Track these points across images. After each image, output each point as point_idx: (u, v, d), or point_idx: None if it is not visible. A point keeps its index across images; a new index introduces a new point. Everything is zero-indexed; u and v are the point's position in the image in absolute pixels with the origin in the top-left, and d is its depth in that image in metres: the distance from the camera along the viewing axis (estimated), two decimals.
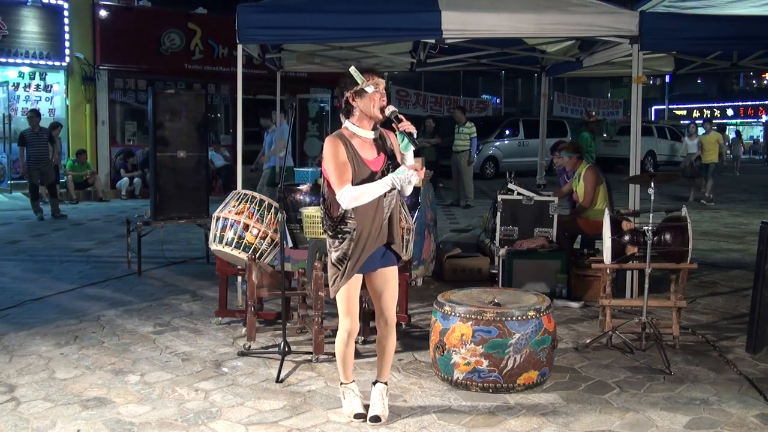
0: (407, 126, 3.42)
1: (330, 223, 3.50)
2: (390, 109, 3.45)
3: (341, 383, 3.74)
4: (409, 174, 3.35)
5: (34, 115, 11.77)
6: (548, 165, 10.78)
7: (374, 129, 3.51)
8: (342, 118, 3.56)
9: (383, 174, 3.48)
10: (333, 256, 3.51)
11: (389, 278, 3.62)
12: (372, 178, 3.45)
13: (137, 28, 15.98)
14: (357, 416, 3.64)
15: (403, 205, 5.07)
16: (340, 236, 3.47)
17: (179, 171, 7.43)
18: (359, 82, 3.41)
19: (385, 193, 3.50)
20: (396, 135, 3.51)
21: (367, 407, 3.69)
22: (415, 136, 3.44)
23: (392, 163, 3.52)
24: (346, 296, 3.52)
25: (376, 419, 3.60)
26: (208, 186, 8.19)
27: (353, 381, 3.75)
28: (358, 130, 3.48)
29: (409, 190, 3.57)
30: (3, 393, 4.01)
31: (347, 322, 3.55)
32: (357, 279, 3.53)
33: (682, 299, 4.93)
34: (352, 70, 3.42)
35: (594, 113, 11.91)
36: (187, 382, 4.22)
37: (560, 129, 20.12)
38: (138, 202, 13.66)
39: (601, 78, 30.19)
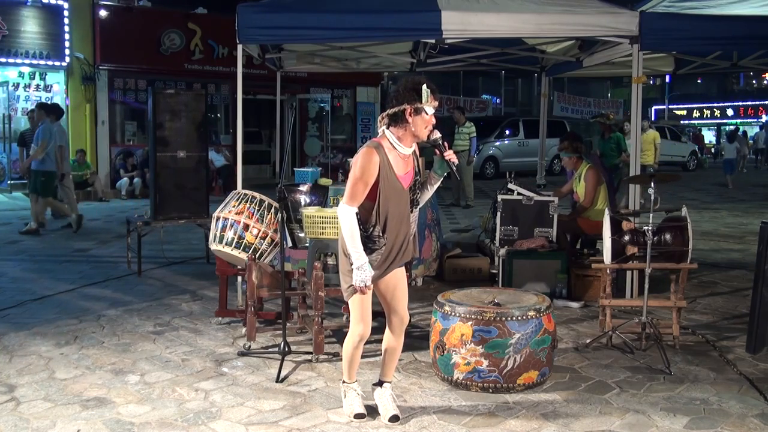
0: (452, 156, 3.44)
1: (361, 233, 3.40)
2: (436, 135, 3.42)
3: (343, 382, 3.74)
4: (357, 283, 3.36)
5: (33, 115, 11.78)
6: (548, 165, 10.80)
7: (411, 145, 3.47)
8: (380, 122, 3.46)
9: (411, 190, 3.49)
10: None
11: (399, 278, 3.61)
12: (404, 194, 3.45)
13: (137, 28, 15.99)
14: (357, 416, 3.63)
15: None
16: (368, 249, 3.40)
17: (179, 171, 7.42)
18: (424, 101, 3.35)
19: (412, 208, 3.52)
20: (434, 158, 3.51)
21: (368, 408, 3.70)
22: (456, 165, 3.45)
23: (419, 179, 3.53)
24: (360, 303, 3.48)
25: (395, 419, 3.61)
26: (208, 186, 8.19)
27: (356, 381, 3.75)
28: (398, 144, 3.41)
29: (423, 202, 3.62)
30: (3, 393, 4.01)
31: (360, 327, 3.52)
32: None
33: (682, 299, 4.92)
34: (425, 88, 3.34)
35: (612, 114, 11.87)
36: (187, 382, 4.22)
37: (560, 129, 20.09)
38: (138, 202, 13.66)
39: (601, 78, 30.20)
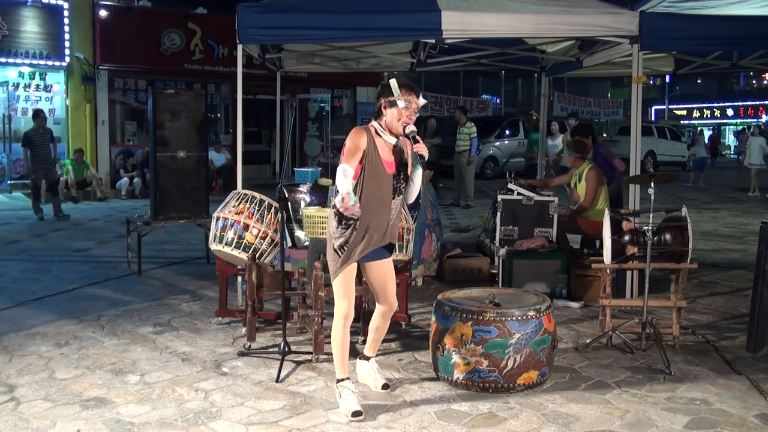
0: (421, 149, 3.64)
1: (337, 210, 3.66)
2: (410, 128, 3.66)
3: (338, 381, 3.77)
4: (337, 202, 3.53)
5: (44, 116, 11.80)
6: (548, 165, 10.83)
7: (396, 136, 3.73)
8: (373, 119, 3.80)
9: (394, 178, 3.73)
10: (335, 243, 3.70)
11: (387, 269, 3.87)
12: (385, 177, 3.70)
13: (137, 28, 16.00)
14: (354, 414, 3.64)
15: (403, 205, 5.07)
16: (343, 224, 3.66)
17: (179, 171, 7.43)
18: (394, 94, 3.62)
19: (394, 195, 3.74)
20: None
21: (364, 406, 3.70)
22: (426, 158, 3.68)
23: (403, 170, 3.76)
24: (343, 280, 3.71)
25: (386, 386, 4.01)
26: (208, 186, 8.19)
27: (348, 378, 3.77)
28: (383, 132, 3.71)
29: (412, 197, 3.84)
30: (3, 393, 4.01)
31: (344, 304, 3.72)
32: (353, 265, 3.74)
33: (682, 299, 4.92)
34: (392, 82, 3.63)
35: (535, 116, 12.02)
36: (187, 382, 4.22)
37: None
38: (138, 202, 13.66)
39: (601, 78, 30.22)
